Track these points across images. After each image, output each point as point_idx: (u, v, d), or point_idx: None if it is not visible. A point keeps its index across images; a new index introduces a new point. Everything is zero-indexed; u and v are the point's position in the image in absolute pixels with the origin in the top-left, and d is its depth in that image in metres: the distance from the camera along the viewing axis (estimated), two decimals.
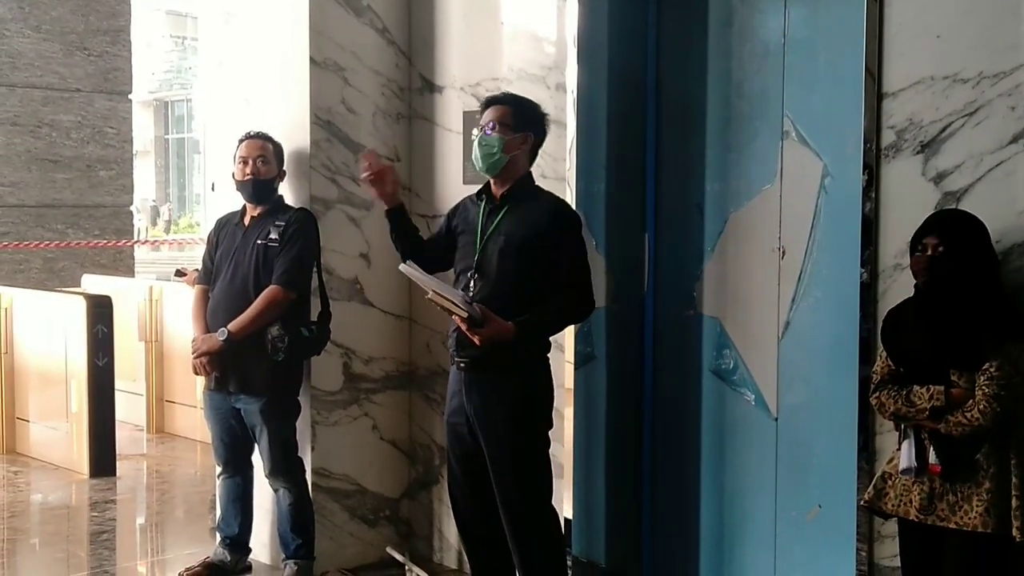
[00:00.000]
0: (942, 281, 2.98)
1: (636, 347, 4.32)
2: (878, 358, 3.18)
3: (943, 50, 3.25)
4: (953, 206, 3.20)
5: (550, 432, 3.83)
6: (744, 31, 3.99)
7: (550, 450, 3.81)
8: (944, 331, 2.99)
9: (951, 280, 2.96)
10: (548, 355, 3.81)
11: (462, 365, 3.78)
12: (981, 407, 2.89)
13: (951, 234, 2.98)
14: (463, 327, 3.61)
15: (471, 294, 3.70)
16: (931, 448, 2.99)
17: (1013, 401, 2.88)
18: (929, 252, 2.99)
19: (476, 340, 3.60)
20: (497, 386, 3.73)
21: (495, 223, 3.76)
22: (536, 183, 3.86)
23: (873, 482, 3.19)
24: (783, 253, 3.85)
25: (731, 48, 4.03)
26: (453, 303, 3.56)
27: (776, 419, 3.92)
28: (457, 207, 3.97)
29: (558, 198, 3.86)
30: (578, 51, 4.25)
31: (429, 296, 3.61)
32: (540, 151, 3.87)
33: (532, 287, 3.70)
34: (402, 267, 3.68)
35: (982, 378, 2.90)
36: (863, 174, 3.42)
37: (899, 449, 3.08)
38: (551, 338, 3.85)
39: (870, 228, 3.41)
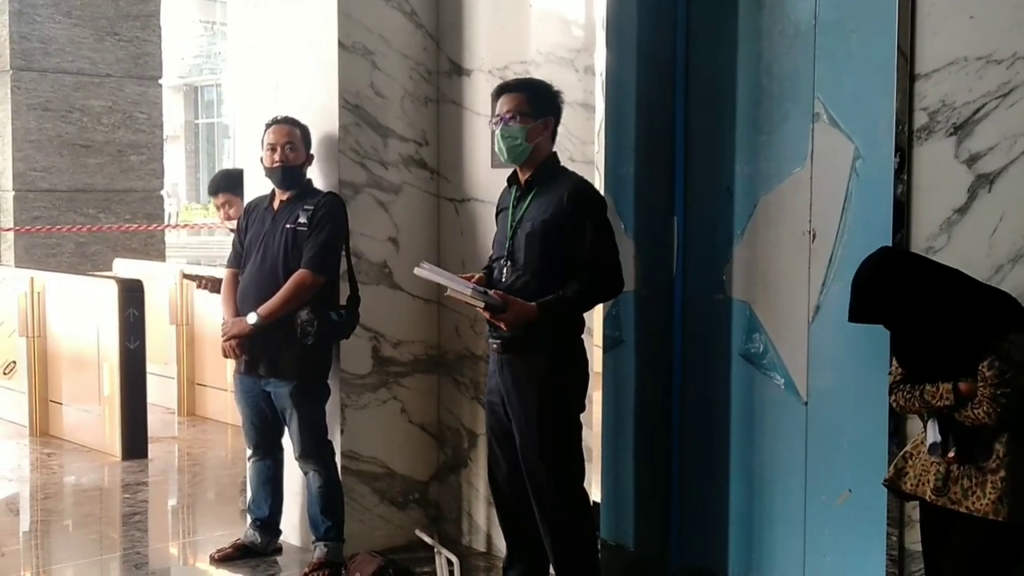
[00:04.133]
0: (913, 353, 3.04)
1: (665, 331, 4.31)
2: (892, 358, 3.15)
3: (977, 31, 3.21)
4: (987, 189, 3.17)
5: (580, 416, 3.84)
6: (775, 12, 3.95)
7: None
8: (934, 349, 2.97)
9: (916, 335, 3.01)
10: (581, 336, 3.82)
11: (495, 346, 3.84)
12: (984, 408, 2.86)
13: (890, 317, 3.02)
14: (487, 315, 3.70)
15: (504, 280, 3.77)
16: (950, 433, 2.97)
17: (1018, 391, 2.85)
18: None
19: (502, 325, 3.69)
20: (525, 366, 3.76)
21: (523, 210, 3.79)
22: (560, 163, 3.88)
23: (894, 461, 3.18)
24: (814, 236, 3.82)
25: (761, 29, 4.00)
26: (467, 296, 3.66)
27: (806, 403, 3.90)
28: (501, 193, 4.00)
29: (578, 178, 3.80)
30: (607, 33, 4.22)
31: (448, 294, 3.77)
32: (568, 133, 3.87)
33: (559, 270, 3.70)
34: (417, 270, 3.79)
35: (979, 380, 2.88)
36: (895, 156, 3.39)
37: (924, 431, 3.06)
38: (584, 321, 3.86)
39: (902, 211, 3.38)
